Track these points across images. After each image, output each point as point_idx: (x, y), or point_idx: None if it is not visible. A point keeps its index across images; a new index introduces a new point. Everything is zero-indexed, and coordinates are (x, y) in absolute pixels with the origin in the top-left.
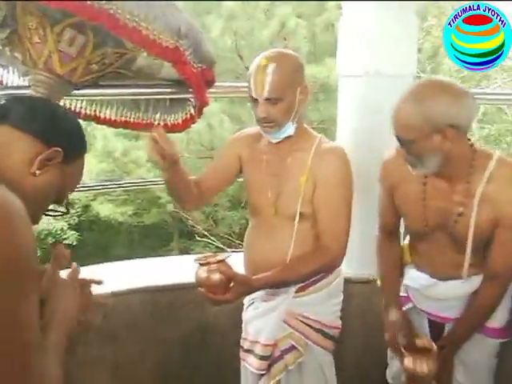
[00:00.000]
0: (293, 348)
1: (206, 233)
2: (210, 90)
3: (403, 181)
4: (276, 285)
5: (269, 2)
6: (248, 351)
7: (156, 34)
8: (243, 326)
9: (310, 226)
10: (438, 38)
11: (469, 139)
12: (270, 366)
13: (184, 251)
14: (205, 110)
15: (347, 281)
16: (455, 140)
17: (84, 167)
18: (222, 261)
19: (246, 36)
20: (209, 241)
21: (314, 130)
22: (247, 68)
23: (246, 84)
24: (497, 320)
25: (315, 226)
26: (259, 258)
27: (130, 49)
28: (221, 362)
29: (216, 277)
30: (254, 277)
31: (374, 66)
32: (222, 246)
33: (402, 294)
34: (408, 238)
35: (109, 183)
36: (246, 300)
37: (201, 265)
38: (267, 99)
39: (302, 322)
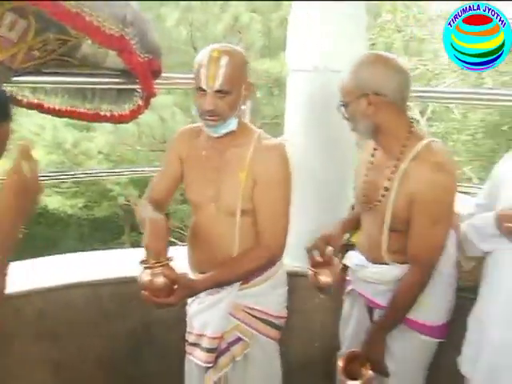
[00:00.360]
0: (239, 340)
1: None
2: (162, 82)
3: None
4: (219, 285)
5: None
6: (194, 345)
7: (100, 21)
8: (188, 320)
9: (252, 222)
10: (392, 34)
11: (411, 121)
12: (216, 359)
13: (136, 245)
14: (156, 102)
15: (293, 274)
16: (382, 108)
17: (7, 137)
18: (166, 264)
19: (201, 28)
20: None
21: (268, 125)
22: None
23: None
24: (433, 318)
25: (255, 224)
26: (204, 255)
27: (73, 35)
28: (166, 356)
29: (160, 280)
30: (197, 279)
31: (324, 61)
32: (173, 239)
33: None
34: None
35: (57, 174)
36: None
37: (144, 268)
38: (217, 91)
39: (248, 313)
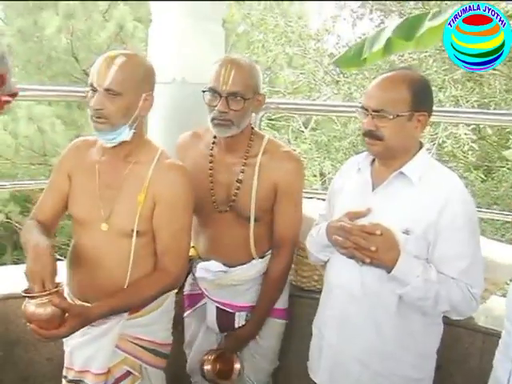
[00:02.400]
0: (128, 374)
1: None
2: (42, 94)
3: (190, 151)
4: (116, 312)
5: (108, 1)
6: (75, 382)
7: None
8: (67, 354)
9: (147, 243)
10: (274, 52)
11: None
12: None
13: (18, 264)
14: (35, 113)
15: None
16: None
17: None
18: (55, 292)
19: (83, 37)
20: None
21: None
22: (85, 71)
23: (81, 89)
24: (281, 302)
25: (152, 243)
26: (88, 280)
27: None
28: (29, 379)
29: (48, 310)
30: (91, 305)
31: (181, 73)
32: (60, 257)
33: (192, 292)
34: None
35: None
36: None
37: (29, 298)
38: (106, 90)
39: (136, 344)
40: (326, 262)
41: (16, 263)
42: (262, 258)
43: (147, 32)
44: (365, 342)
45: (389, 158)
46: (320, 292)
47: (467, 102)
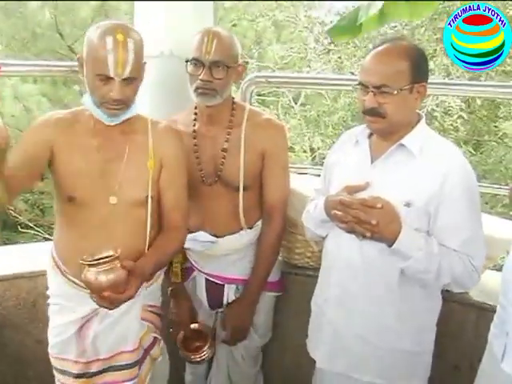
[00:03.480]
0: (155, 341)
1: (30, 224)
2: (27, 69)
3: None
4: (157, 269)
5: None
6: (98, 373)
7: None
8: (85, 349)
9: (157, 207)
10: (256, 18)
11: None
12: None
13: (7, 244)
14: (21, 91)
15: None
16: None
17: None
18: (117, 256)
19: (67, 12)
20: (35, 232)
21: None
22: (70, 47)
23: (67, 63)
24: (272, 274)
25: (158, 205)
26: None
27: None
28: (19, 361)
29: (122, 274)
30: (141, 264)
31: (169, 47)
32: (49, 236)
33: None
34: None
35: None
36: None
37: (92, 266)
38: (125, 79)
39: (150, 311)
40: (324, 238)
41: (6, 244)
42: (250, 228)
43: (132, 4)
44: (365, 316)
45: (390, 133)
46: (313, 269)
47: (457, 71)
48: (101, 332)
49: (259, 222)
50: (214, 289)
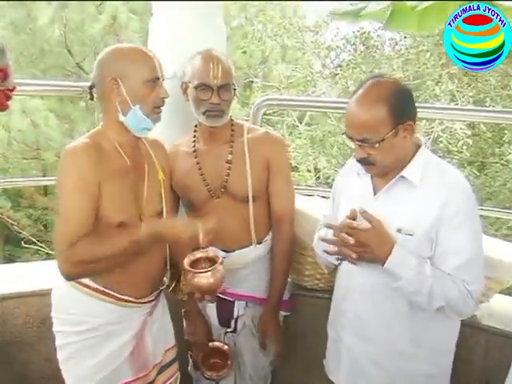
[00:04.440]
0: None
1: (33, 239)
2: (36, 89)
3: (176, 162)
4: None
5: None
6: (157, 375)
7: None
8: (145, 358)
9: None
10: (264, 43)
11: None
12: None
13: (10, 259)
14: (28, 106)
15: None
16: None
17: None
18: (217, 257)
19: (76, 29)
20: (38, 247)
21: None
22: (78, 64)
23: (76, 83)
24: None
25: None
26: (142, 271)
27: None
28: (27, 379)
29: (222, 275)
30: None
31: (182, 68)
32: (52, 252)
33: None
34: None
35: None
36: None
37: (204, 272)
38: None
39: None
40: (337, 266)
41: (8, 259)
42: (260, 243)
43: (141, 24)
44: (379, 342)
45: (387, 173)
46: (322, 290)
47: (463, 96)
48: (155, 337)
49: (268, 238)
50: (224, 306)
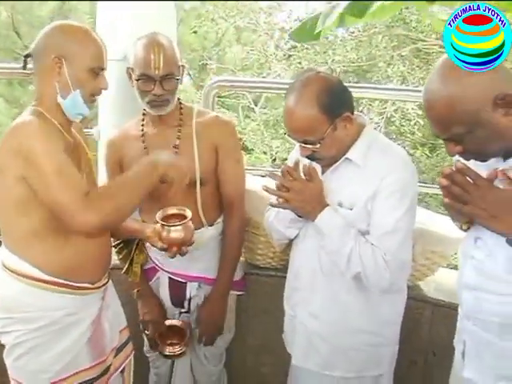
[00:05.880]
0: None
1: None
2: None
3: (125, 146)
4: None
5: None
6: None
7: None
8: (98, 348)
9: None
10: (222, 27)
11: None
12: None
13: None
14: None
15: None
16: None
17: None
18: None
19: (25, 11)
20: None
21: None
22: (27, 47)
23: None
24: (236, 273)
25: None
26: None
27: None
28: None
29: (191, 229)
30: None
31: (126, 52)
32: None
33: (145, 267)
34: None
35: None
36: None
37: (173, 225)
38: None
39: None
40: (290, 241)
41: None
42: (211, 226)
43: (92, 6)
44: (330, 320)
45: (336, 160)
46: (275, 269)
47: (414, 78)
48: (111, 322)
49: (220, 220)
50: (177, 287)
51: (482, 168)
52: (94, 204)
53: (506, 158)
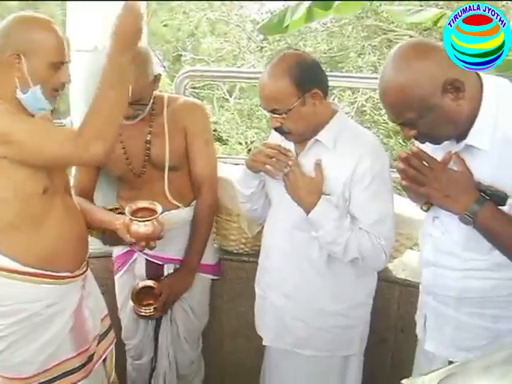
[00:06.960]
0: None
1: None
2: None
3: None
4: None
5: None
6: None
7: None
8: (81, 336)
9: None
10: (194, 19)
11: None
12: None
13: None
14: None
15: None
16: None
17: None
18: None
19: None
20: None
21: None
22: None
23: None
24: (208, 257)
25: None
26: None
27: None
28: None
29: (158, 226)
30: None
31: (103, 41)
32: None
33: (122, 250)
34: None
35: None
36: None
37: (144, 220)
38: None
39: None
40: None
41: None
42: (188, 206)
43: None
44: (300, 300)
45: (306, 138)
46: (247, 254)
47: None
48: (92, 310)
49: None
50: (154, 269)
51: (439, 151)
52: (87, 134)
53: (458, 140)
